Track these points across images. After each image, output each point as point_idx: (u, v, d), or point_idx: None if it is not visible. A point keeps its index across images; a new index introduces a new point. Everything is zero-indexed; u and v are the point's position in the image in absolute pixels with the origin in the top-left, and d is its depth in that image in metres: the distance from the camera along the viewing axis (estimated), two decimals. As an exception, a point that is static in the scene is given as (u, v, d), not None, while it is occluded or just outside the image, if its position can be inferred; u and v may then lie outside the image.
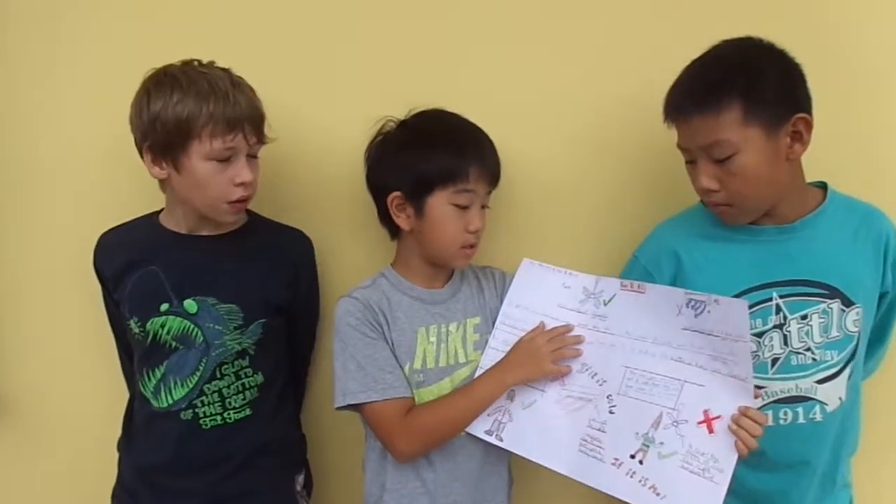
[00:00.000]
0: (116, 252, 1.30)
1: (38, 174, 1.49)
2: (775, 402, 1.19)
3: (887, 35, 1.37)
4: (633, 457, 1.13)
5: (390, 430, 1.21)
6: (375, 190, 1.30)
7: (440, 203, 1.22)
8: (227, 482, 1.27)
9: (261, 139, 1.24)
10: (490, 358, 1.26)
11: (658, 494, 1.10)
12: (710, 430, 1.10)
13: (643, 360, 1.18)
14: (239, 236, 1.30)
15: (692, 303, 1.14)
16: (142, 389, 1.28)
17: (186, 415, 1.26)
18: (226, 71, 1.21)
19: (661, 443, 1.12)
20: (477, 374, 1.26)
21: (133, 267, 1.27)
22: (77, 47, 1.45)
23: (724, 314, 1.10)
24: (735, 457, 1.07)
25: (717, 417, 1.10)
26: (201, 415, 1.26)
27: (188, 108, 1.14)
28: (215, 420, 1.26)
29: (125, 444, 1.35)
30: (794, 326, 1.17)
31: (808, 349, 1.17)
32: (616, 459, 1.14)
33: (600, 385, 1.20)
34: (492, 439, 1.23)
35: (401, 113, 1.31)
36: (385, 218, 1.30)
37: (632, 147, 1.42)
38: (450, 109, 1.30)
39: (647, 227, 1.34)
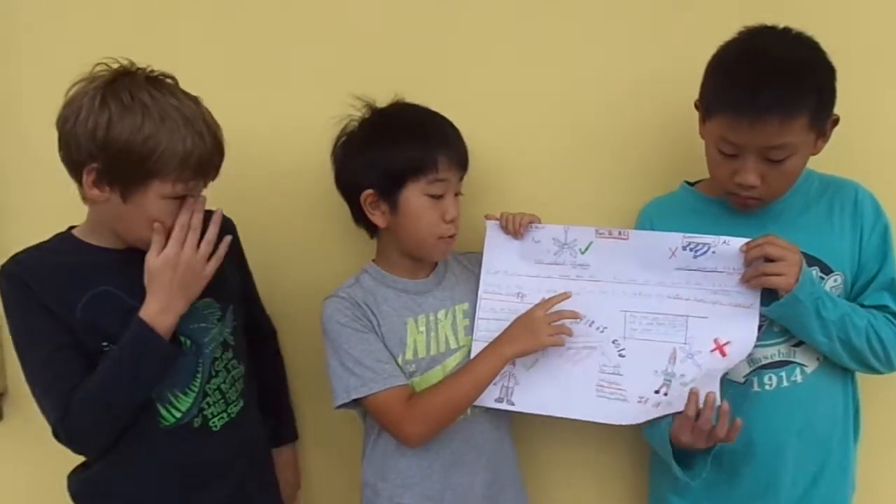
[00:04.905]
0: (51, 272, 1.14)
1: None
2: (760, 368, 1.22)
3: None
4: (657, 392, 1.22)
5: (397, 417, 1.22)
6: (347, 190, 1.30)
7: (414, 196, 1.22)
8: (248, 481, 1.27)
9: (214, 178, 1.17)
10: (480, 329, 1.29)
11: None
12: (723, 354, 1.19)
13: (640, 302, 1.24)
14: None
15: (692, 245, 1.20)
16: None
17: (197, 422, 1.21)
18: (195, 101, 1.13)
19: (682, 374, 1.20)
20: (473, 348, 1.28)
21: (78, 290, 1.13)
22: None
23: (735, 252, 1.17)
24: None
25: (727, 343, 1.19)
26: (209, 416, 1.22)
27: (161, 147, 1.06)
28: (223, 418, 1.24)
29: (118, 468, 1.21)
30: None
31: None
32: (642, 397, 1.22)
33: (601, 332, 1.25)
34: (503, 406, 1.27)
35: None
36: (360, 217, 1.29)
37: (612, 133, 1.41)
38: (421, 102, 1.29)
39: (625, 213, 1.37)
